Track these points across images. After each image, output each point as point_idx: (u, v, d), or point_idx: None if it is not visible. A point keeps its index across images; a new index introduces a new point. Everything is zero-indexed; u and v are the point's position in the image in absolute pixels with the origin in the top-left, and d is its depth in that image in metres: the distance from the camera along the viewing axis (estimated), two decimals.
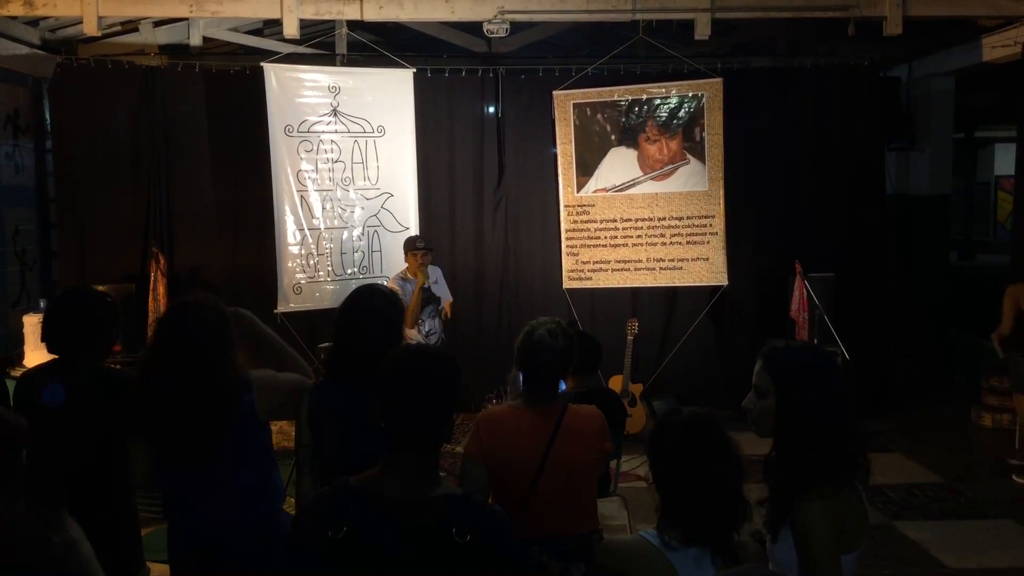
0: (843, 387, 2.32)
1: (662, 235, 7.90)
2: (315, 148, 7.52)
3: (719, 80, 7.76)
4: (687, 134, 7.86)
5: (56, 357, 3.25)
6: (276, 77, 7.42)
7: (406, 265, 6.98)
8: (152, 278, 7.41)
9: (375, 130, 7.69)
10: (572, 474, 2.82)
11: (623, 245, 7.96)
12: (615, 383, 7.50)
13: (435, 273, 7.09)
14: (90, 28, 7.00)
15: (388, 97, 7.70)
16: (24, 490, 2.44)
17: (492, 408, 3.04)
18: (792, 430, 2.28)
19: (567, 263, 8.08)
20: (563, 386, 4.46)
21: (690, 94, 7.84)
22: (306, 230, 7.52)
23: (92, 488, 3.07)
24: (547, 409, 2.87)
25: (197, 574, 2.92)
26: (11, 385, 4.58)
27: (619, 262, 7.97)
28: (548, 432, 2.82)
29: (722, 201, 7.79)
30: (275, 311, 7.41)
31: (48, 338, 3.25)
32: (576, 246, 8.05)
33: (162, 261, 7.47)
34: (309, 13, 7.13)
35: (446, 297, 7.16)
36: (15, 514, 2.27)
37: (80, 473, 3.07)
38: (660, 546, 2.06)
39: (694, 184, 7.86)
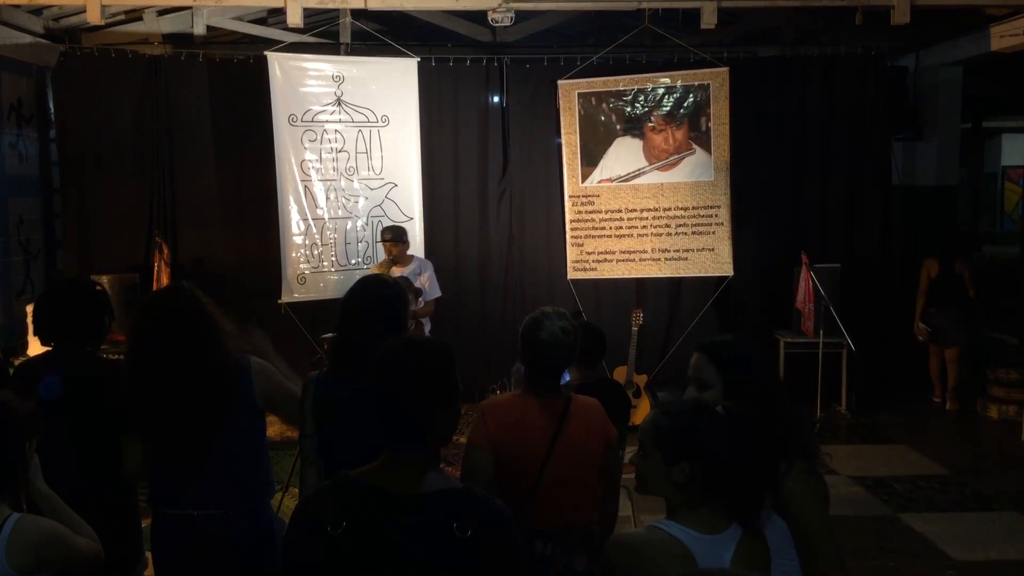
0: (779, 374, 2.45)
1: (667, 225, 7.86)
2: (319, 138, 7.50)
3: (725, 69, 7.72)
4: (693, 124, 7.82)
5: (50, 349, 3.24)
6: (280, 66, 7.39)
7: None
8: (156, 268, 7.41)
9: (379, 120, 7.67)
10: (577, 465, 2.80)
11: (628, 236, 7.93)
12: (619, 374, 7.48)
13: (424, 267, 7.07)
14: (94, 17, 6.99)
15: (392, 86, 7.67)
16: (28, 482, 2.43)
17: (496, 397, 3.00)
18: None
19: (572, 253, 8.05)
20: (567, 377, 4.45)
21: (696, 83, 7.79)
22: (310, 220, 7.50)
23: (92, 479, 3.06)
24: (552, 399, 2.85)
25: (186, 566, 2.91)
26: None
27: (624, 253, 7.94)
28: (554, 422, 2.80)
29: (728, 191, 7.75)
30: (279, 301, 7.41)
31: (39, 330, 3.24)
32: (581, 236, 8.02)
33: (165, 251, 7.47)
34: (313, 2, 7.10)
35: (432, 294, 7.07)
36: None
37: (80, 464, 3.06)
38: (683, 536, 2.04)
39: (700, 174, 7.82)
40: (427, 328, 6.99)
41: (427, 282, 7.03)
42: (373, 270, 6.96)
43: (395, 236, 6.99)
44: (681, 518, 2.07)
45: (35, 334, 3.27)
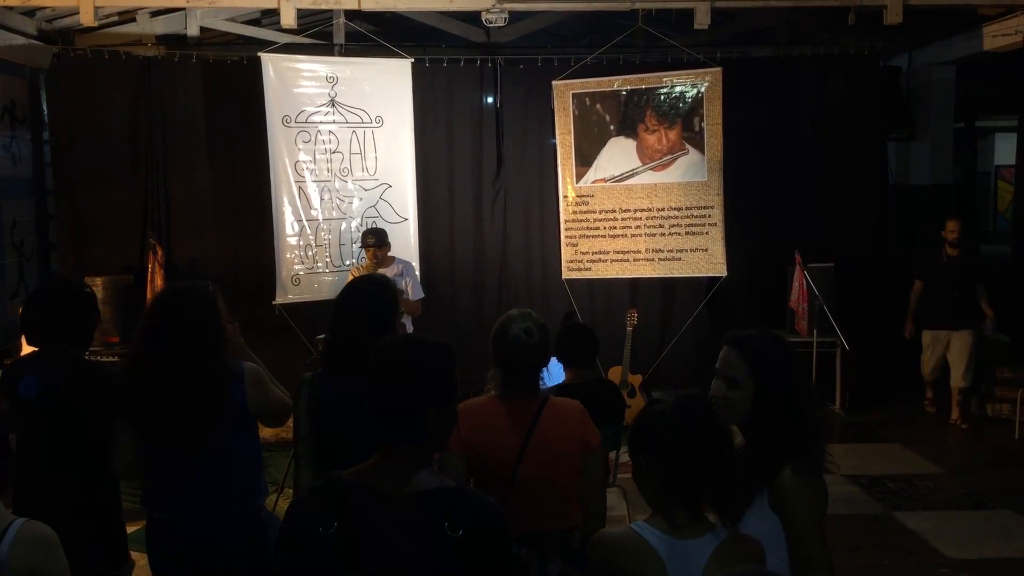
0: (805, 370, 2.40)
1: (661, 226, 7.87)
2: (313, 139, 7.49)
3: (719, 70, 7.73)
4: (686, 124, 7.83)
5: (37, 349, 3.24)
6: (274, 67, 7.38)
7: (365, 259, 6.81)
8: (150, 269, 7.39)
9: (373, 120, 7.66)
10: (551, 467, 2.77)
11: (622, 236, 7.94)
12: (614, 374, 7.49)
13: (407, 270, 6.89)
14: (87, 18, 6.97)
15: (386, 87, 7.66)
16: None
17: (471, 399, 2.99)
18: (771, 416, 2.31)
19: (566, 254, 8.06)
20: (562, 377, 4.46)
21: (689, 84, 7.80)
22: (304, 221, 7.50)
23: (71, 479, 3.05)
24: (527, 402, 2.85)
25: (180, 568, 2.90)
26: None
27: (618, 253, 7.95)
28: (527, 424, 2.79)
29: (721, 192, 7.76)
30: (273, 302, 7.40)
31: (27, 330, 3.24)
32: (575, 237, 8.03)
33: (160, 252, 7.45)
34: (307, 3, 7.10)
35: (415, 296, 6.85)
36: None
37: (64, 466, 3.05)
38: (652, 539, 2.05)
39: (693, 174, 7.83)
40: (409, 327, 6.91)
41: (410, 286, 6.85)
42: (354, 273, 6.72)
43: (379, 239, 6.74)
44: (656, 520, 2.08)
45: (22, 332, 3.27)
